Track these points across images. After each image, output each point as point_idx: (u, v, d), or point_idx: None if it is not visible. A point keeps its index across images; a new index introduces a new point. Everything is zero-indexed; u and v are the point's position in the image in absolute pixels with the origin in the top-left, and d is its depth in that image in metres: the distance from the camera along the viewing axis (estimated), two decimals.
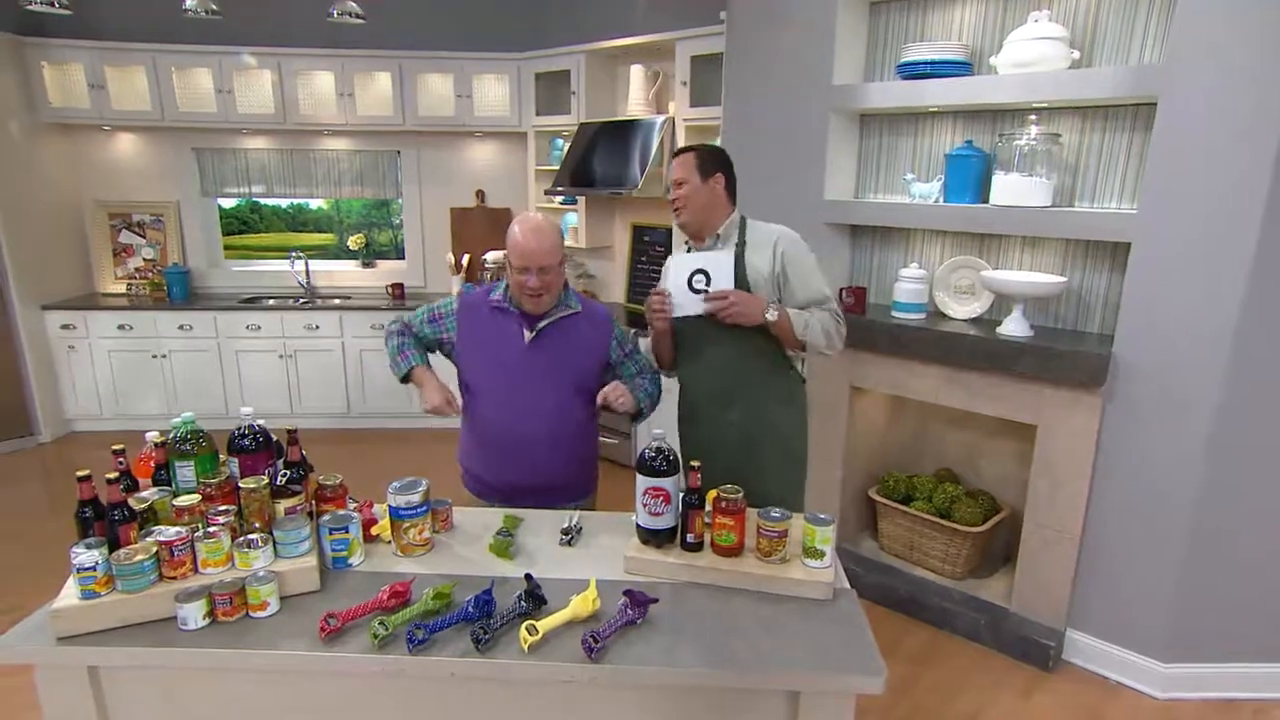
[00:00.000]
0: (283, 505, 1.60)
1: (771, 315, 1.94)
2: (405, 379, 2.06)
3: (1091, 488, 2.48)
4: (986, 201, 2.65)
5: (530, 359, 1.97)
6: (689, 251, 2.09)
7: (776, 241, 2.03)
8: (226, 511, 1.51)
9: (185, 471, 1.61)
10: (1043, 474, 2.57)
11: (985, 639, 2.70)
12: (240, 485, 1.55)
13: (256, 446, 1.66)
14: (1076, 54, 2.44)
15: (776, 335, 2.00)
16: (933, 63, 2.65)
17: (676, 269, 1.98)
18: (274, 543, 1.53)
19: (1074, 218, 2.44)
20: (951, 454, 3.15)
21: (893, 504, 3.02)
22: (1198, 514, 2.32)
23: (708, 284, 1.93)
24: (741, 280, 1.99)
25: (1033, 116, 2.60)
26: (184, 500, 1.51)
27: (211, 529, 1.46)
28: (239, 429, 1.66)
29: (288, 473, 1.65)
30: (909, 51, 2.72)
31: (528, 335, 1.97)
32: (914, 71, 2.69)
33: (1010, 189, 2.53)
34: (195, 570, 1.45)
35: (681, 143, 3.93)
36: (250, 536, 1.51)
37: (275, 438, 1.75)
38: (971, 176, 2.67)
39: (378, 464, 4.30)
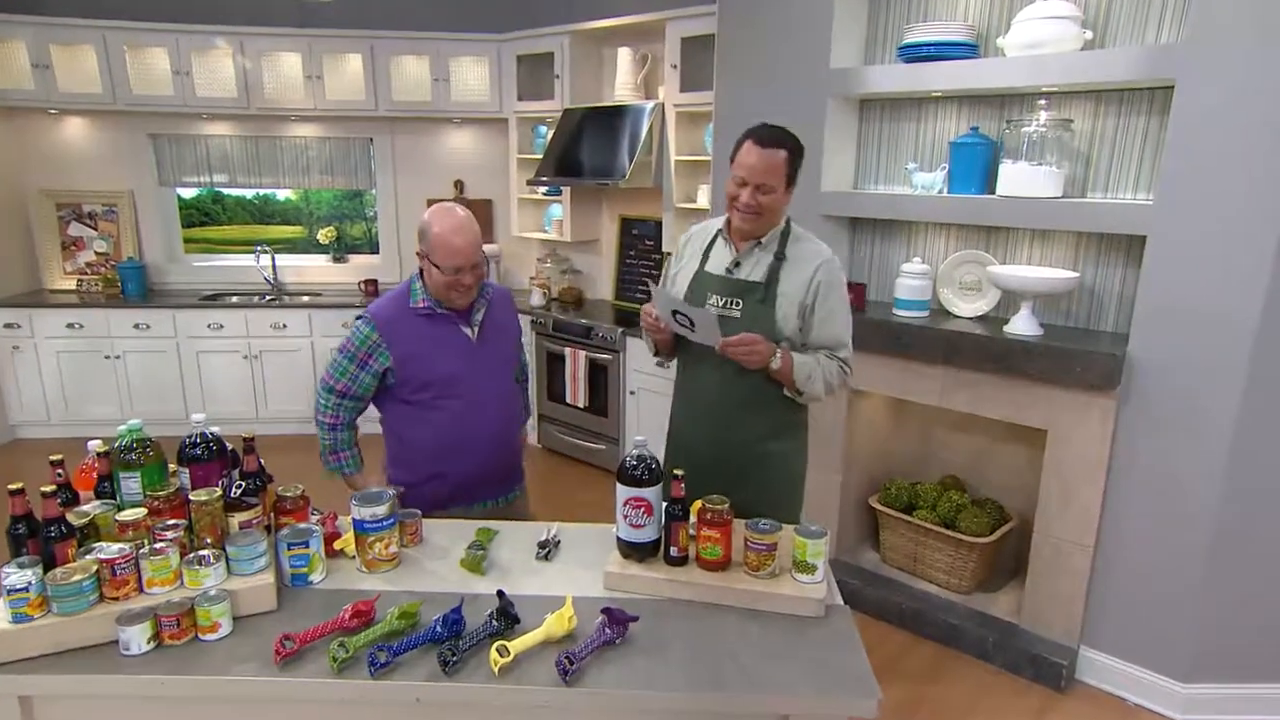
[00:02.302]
0: (237, 519, 1.59)
1: (775, 363, 1.88)
2: (351, 484, 2.11)
3: (1105, 496, 2.49)
4: (993, 192, 2.65)
5: (480, 356, 2.05)
6: (710, 245, 2.03)
7: (819, 268, 1.92)
8: (175, 526, 1.50)
9: (130, 483, 1.59)
10: (1054, 481, 2.57)
11: (993, 657, 2.70)
12: (191, 498, 1.54)
13: (209, 456, 1.65)
14: (1089, 34, 2.44)
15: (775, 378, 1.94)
16: (936, 44, 2.66)
17: (662, 303, 1.93)
18: (227, 559, 1.51)
19: (1086, 209, 2.45)
20: (957, 460, 3.15)
21: (894, 513, 3.02)
22: (1219, 523, 2.33)
23: (691, 327, 1.88)
24: (770, 298, 1.91)
25: (1042, 101, 2.61)
26: (128, 515, 1.50)
27: (158, 545, 1.45)
28: (190, 437, 1.64)
29: (243, 484, 1.63)
30: (911, 33, 2.72)
31: (471, 333, 2.04)
32: (916, 54, 2.70)
33: (1018, 179, 2.54)
34: (140, 590, 1.44)
35: (673, 131, 3.93)
36: (201, 553, 1.49)
37: (230, 446, 1.74)
38: (977, 166, 2.68)
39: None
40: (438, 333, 2.00)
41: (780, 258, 1.94)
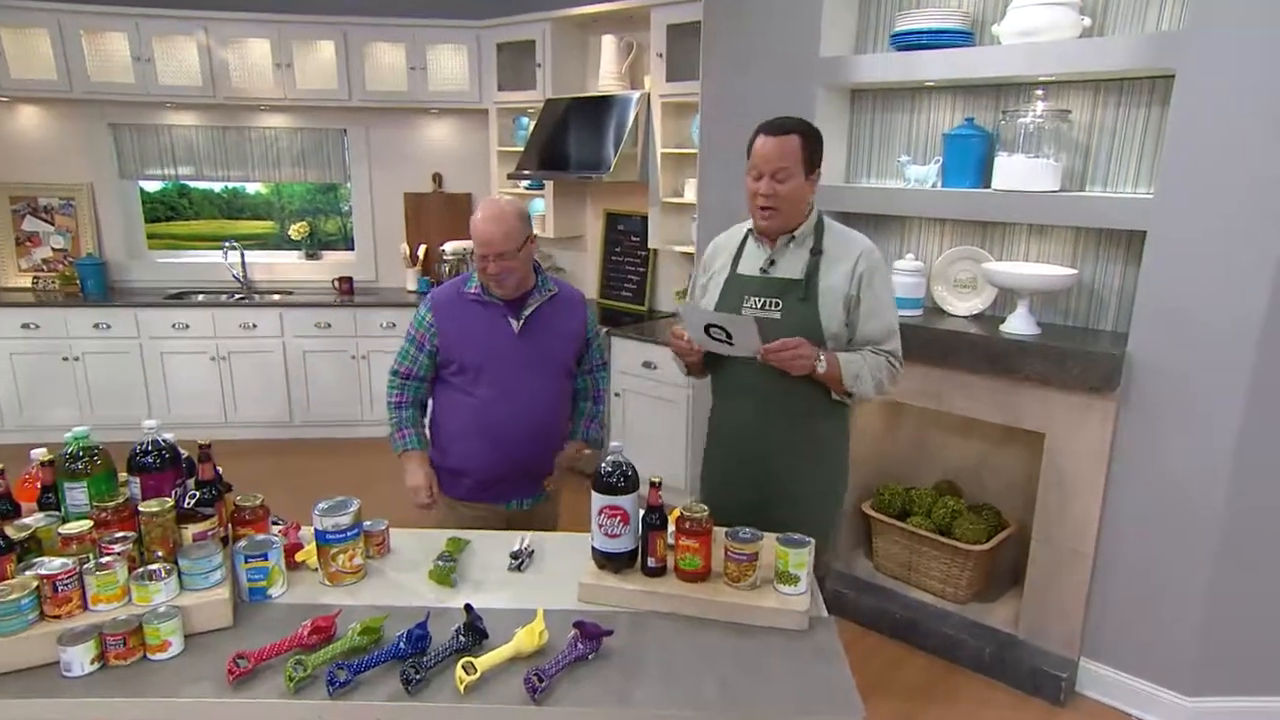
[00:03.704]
0: (191, 530, 1.57)
1: (821, 367, 1.84)
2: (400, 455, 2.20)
3: (1105, 502, 2.49)
4: (988, 186, 2.66)
5: (520, 348, 2.11)
6: (741, 248, 2.01)
7: (860, 257, 1.90)
8: (124, 539, 1.48)
9: (76, 494, 1.57)
10: (1052, 487, 2.58)
11: (991, 669, 2.70)
12: (140, 509, 1.52)
13: (162, 464, 1.63)
14: (1087, 21, 2.45)
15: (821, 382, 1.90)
16: (930, 32, 2.66)
17: (693, 320, 1.89)
18: (179, 574, 1.49)
19: (1085, 203, 2.45)
20: (953, 464, 3.15)
21: (888, 519, 3.02)
22: (1224, 530, 2.33)
23: (728, 338, 1.83)
24: (813, 295, 1.89)
25: (1039, 91, 2.61)
26: (73, 527, 1.47)
27: (104, 559, 1.43)
28: (141, 444, 1.62)
29: (198, 493, 1.61)
30: (904, 20, 2.72)
31: (515, 325, 2.11)
32: (909, 42, 2.70)
33: (1014, 172, 2.54)
34: (85, 608, 1.42)
35: (659, 122, 3.92)
36: (151, 567, 1.47)
37: (185, 454, 1.71)
38: (972, 158, 2.68)
39: (322, 478, 4.25)
40: (482, 318, 2.11)
41: (817, 252, 1.92)
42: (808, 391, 1.91)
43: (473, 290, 2.12)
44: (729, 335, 1.82)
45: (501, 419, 2.11)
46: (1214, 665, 2.43)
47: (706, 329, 1.85)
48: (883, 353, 1.93)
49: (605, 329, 4.05)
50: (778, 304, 1.91)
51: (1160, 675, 2.49)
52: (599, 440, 2.35)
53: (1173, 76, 2.25)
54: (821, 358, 1.84)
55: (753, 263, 1.97)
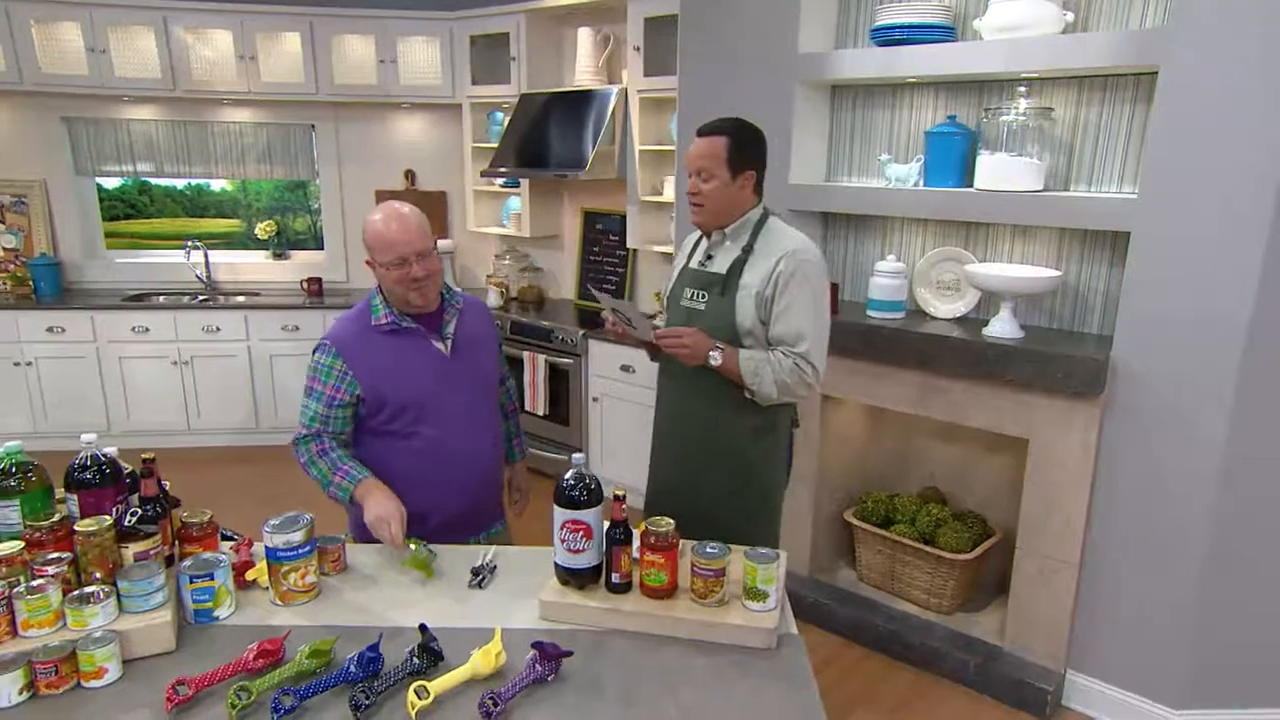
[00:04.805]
0: (132, 549, 1.54)
1: (714, 360, 1.93)
2: (353, 499, 1.87)
3: (1091, 510, 2.50)
4: (971, 185, 2.66)
5: (457, 371, 1.99)
6: (696, 242, 2.18)
7: (782, 259, 1.96)
8: (58, 560, 1.45)
9: (8, 512, 1.53)
10: (1036, 494, 2.59)
11: (975, 682, 2.71)
12: (77, 528, 1.49)
13: (102, 480, 1.60)
14: (1070, 16, 2.46)
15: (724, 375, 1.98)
16: (910, 27, 2.66)
17: (606, 305, 2.06)
18: (118, 595, 1.47)
19: (1068, 203, 2.46)
20: (938, 470, 3.16)
21: (871, 528, 3.03)
22: (1212, 538, 2.35)
23: (629, 323, 2.01)
24: (730, 290, 1.99)
25: (1022, 88, 2.62)
26: (2, 549, 1.44)
27: (36, 582, 1.40)
28: (80, 459, 1.59)
29: (140, 510, 1.59)
30: (883, 14, 2.73)
31: (444, 347, 1.98)
32: (889, 37, 2.70)
33: (997, 171, 2.55)
34: (14, 634, 1.39)
35: (636, 118, 3.91)
36: (87, 589, 1.44)
37: (129, 468, 1.69)
38: (954, 157, 2.69)
39: (289, 487, 4.19)
40: (405, 349, 1.93)
41: (748, 250, 2.02)
42: (718, 383, 2.01)
43: (382, 320, 1.91)
44: (629, 320, 1.99)
45: (458, 455, 1.97)
46: (1202, 677, 2.45)
47: (614, 311, 2.03)
48: (793, 355, 1.96)
49: (582, 331, 4.04)
50: (704, 296, 2.05)
51: (1147, 688, 2.51)
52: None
53: (1156, 73, 2.26)
54: (717, 351, 1.92)
55: (699, 257, 2.13)
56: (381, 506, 1.80)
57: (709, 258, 2.08)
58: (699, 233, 2.16)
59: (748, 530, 2.01)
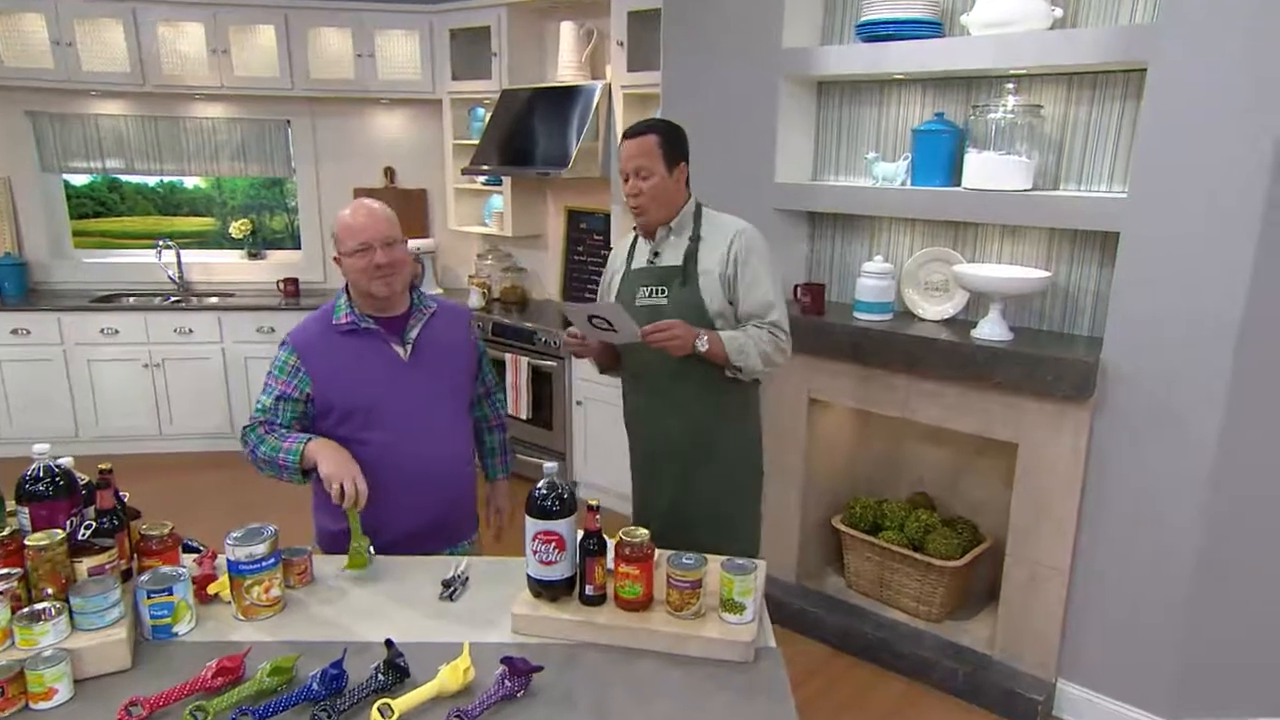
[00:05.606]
0: (86, 564, 1.52)
1: (702, 346, 2.03)
2: (305, 470, 1.85)
3: (1081, 515, 2.50)
4: (959, 184, 2.66)
5: (415, 376, 1.97)
6: (633, 245, 2.27)
7: (733, 238, 2.11)
8: (7, 576, 1.42)
9: None
10: (1025, 500, 2.59)
11: (964, 692, 2.70)
12: (27, 542, 1.46)
13: (55, 492, 1.57)
14: (1059, 11, 2.46)
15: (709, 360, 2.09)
16: (897, 22, 2.66)
17: (578, 316, 2.05)
18: (70, 612, 1.44)
19: (1058, 203, 2.46)
20: (927, 475, 3.16)
21: (859, 534, 3.02)
22: (1204, 545, 2.34)
23: (610, 326, 2.01)
24: (691, 279, 2.11)
25: (1010, 85, 2.62)
26: None
27: None
28: (31, 471, 1.56)
29: (94, 523, 1.56)
30: (870, 9, 2.72)
31: (402, 351, 1.97)
32: (875, 33, 2.69)
33: (985, 170, 2.55)
34: None
35: (620, 114, 3.90)
36: (38, 606, 1.42)
37: (85, 479, 1.66)
38: (942, 155, 2.69)
39: (264, 494, 4.16)
40: (362, 351, 1.93)
41: (696, 238, 2.15)
42: (700, 373, 2.12)
43: (343, 319, 1.93)
44: (609, 323, 1.99)
45: (409, 462, 1.93)
46: (1194, 686, 2.45)
47: (590, 321, 2.02)
48: (765, 325, 2.10)
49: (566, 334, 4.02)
50: (664, 290, 2.14)
51: (1138, 697, 2.51)
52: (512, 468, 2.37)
53: (1145, 70, 2.26)
54: (703, 336, 2.03)
55: (642, 258, 2.22)
56: (332, 463, 1.78)
57: (656, 255, 2.18)
58: (631, 237, 2.27)
59: (744, 518, 2.29)
